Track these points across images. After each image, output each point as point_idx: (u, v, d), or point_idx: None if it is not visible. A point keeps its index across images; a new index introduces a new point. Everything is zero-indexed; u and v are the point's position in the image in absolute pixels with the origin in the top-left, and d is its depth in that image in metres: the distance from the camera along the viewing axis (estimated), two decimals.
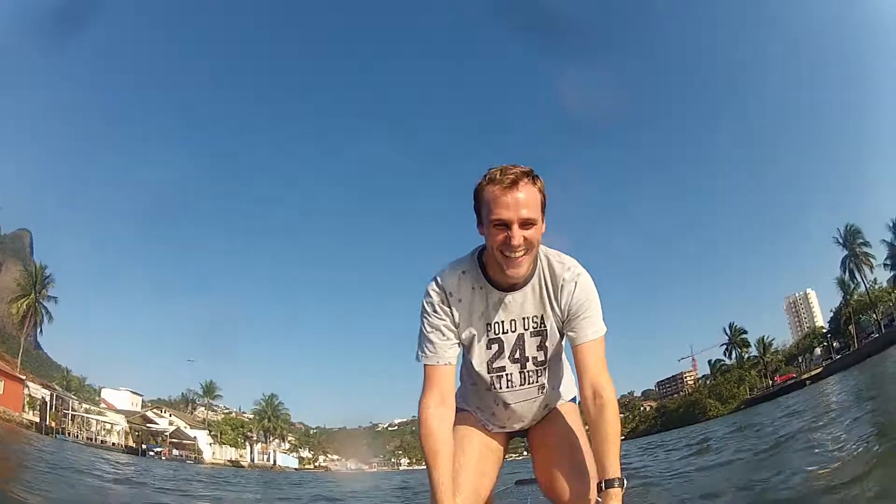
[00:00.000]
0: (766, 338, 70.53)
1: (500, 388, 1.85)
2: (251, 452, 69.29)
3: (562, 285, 1.73)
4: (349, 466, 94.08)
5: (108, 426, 44.32)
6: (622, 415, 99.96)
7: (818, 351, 64.75)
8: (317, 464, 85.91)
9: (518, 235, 1.56)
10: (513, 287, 1.73)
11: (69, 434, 37.99)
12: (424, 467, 1.68)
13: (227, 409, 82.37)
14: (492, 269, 1.73)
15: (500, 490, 2.28)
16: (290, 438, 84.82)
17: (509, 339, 1.79)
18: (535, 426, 2.03)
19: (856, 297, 52.11)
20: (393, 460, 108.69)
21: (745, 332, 72.20)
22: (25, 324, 43.11)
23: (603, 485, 1.67)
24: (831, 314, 63.40)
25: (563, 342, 1.85)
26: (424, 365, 1.77)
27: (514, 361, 1.82)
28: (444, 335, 1.76)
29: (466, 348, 1.83)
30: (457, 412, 1.83)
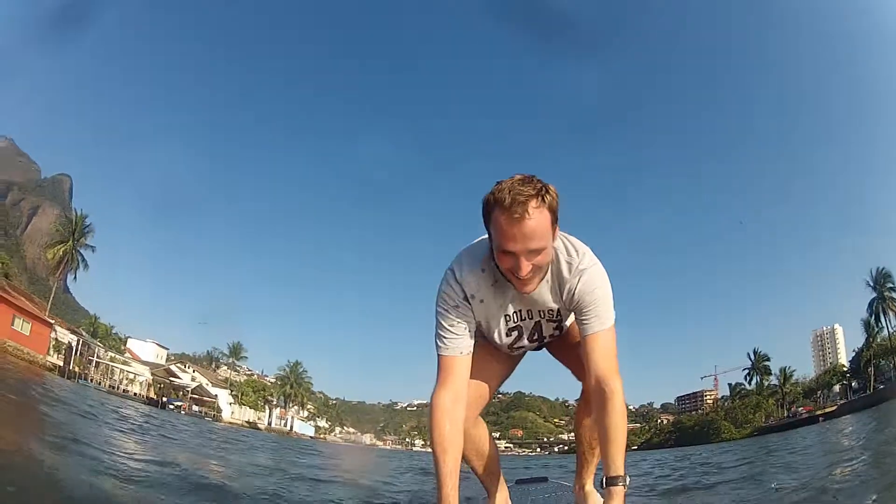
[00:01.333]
0: (787, 368, 71.47)
1: (514, 351, 1.99)
2: (269, 416, 70.11)
3: (569, 283, 1.74)
4: (364, 441, 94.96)
5: (130, 376, 44.97)
6: (639, 424, 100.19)
7: (836, 388, 65.13)
8: (333, 434, 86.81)
9: (525, 266, 1.58)
10: None
11: (91, 380, 38.51)
12: (434, 467, 1.71)
13: (249, 370, 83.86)
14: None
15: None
16: (309, 406, 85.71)
17: (527, 325, 1.86)
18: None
19: (879, 340, 53.13)
20: (408, 440, 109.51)
21: (768, 360, 73.14)
22: (60, 269, 43.77)
23: (605, 482, 1.66)
24: (853, 353, 64.29)
25: None
26: (440, 355, 1.77)
27: (533, 340, 1.92)
28: (462, 330, 1.76)
29: (485, 333, 1.88)
30: None
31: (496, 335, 1.86)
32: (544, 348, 2.09)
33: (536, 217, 1.52)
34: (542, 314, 1.83)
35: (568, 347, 1.99)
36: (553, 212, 1.57)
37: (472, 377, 1.81)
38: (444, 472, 1.64)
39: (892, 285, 51.18)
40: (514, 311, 1.81)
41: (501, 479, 2.10)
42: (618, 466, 1.63)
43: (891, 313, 50.94)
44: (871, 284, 51.95)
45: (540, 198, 1.52)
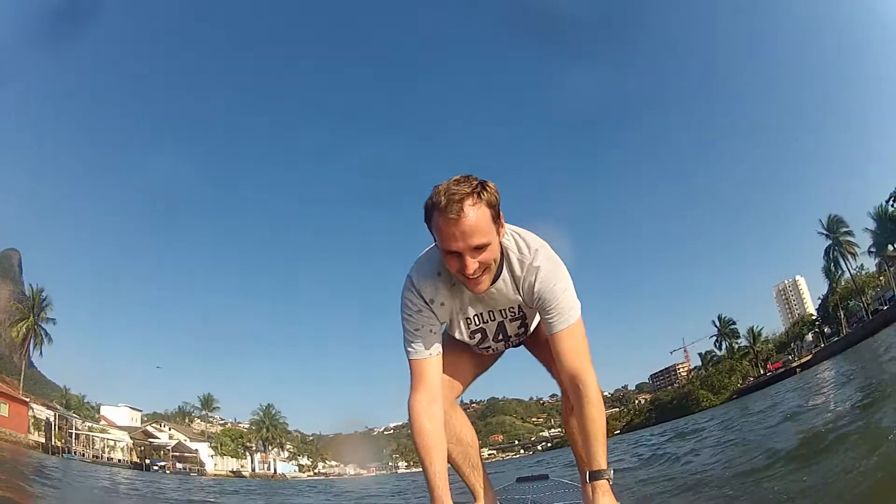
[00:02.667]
0: (755, 327, 71.31)
1: (483, 352, 2.02)
2: (252, 462, 69.76)
3: (524, 281, 1.72)
4: (348, 472, 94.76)
5: (111, 443, 44.80)
6: (616, 408, 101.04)
7: (809, 337, 65.21)
8: (316, 471, 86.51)
9: (471, 263, 1.55)
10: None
11: (75, 452, 38.48)
12: (422, 470, 1.71)
13: (222, 420, 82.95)
14: None
15: (500, 487, 2.21)
16: (288, 447, 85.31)
17: (491, 327, 1.84)
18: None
19: (843, 283, 53.02)
20: (390, 464, 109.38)
21: (734, 323, 73.28)
22: (25, 346, 43.48)
23: (588, 476, 1.71)
24: (819, 301, 65.16)
25: None
26: (410, 360, 1.76)
27: (499, 341, 1.90)
28: (427, 332, 1.76)
29: (451, 333, 1.90)
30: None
31: (460, 336, 1.86)
32: (522, 346, 2.07)
33: (474, 214, 1.50)
34: (503, 314, 1.81)
35: (542, 344, 1.92)
36: (493, 207, 1.56)
37: (446, 365, 1.83)
38: (432, 473, 1.66)
39: (845, 229, 50.83)
40: (476, 314, 1.80)
41: (486, 475, 2.00)
42: (599, 461, 1.69)
43: (849, 256, 50.81)
44: (825, 232, 51.67)
45: (476, 195, 1.52)
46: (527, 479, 4.27)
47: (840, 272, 52.89)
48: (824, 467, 3.40)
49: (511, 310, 1.81)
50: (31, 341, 43.52)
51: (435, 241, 1.64)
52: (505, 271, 1.73)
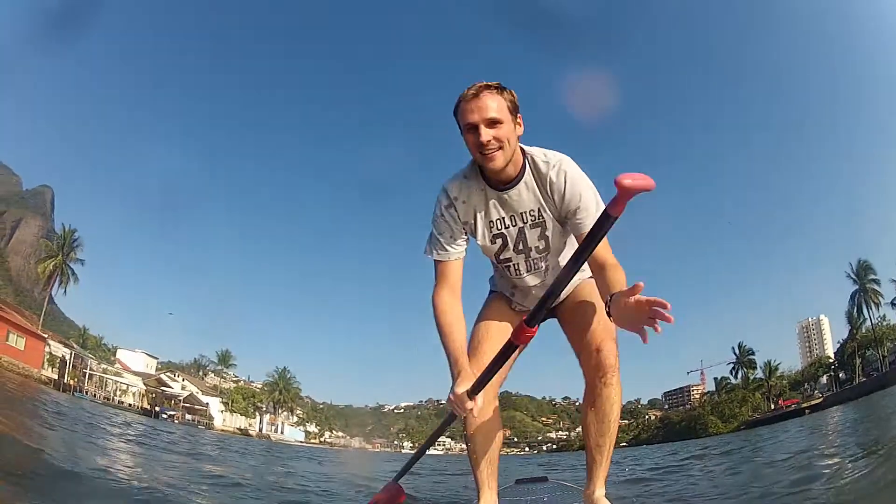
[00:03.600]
0: (772, 362, 71.39)
1: (510, 275, 2.02)
2: (260, 422, 70.65)
3: (550, 180, 1.81)
4: (353, 444, 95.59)
5: (123, 387, 45.48)
6: (626, 421, 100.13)
7: (824, 379, 65.18)
8: (322, 439, 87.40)
9: (486, 133, 1.69)
10: (508, 186, 1.83)
11: (87, 392, 39.06)
12: (428, 452, 1.84)
13: (236, 377, 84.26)
14: (487, 172, 1.84)
15: (500, 489, 2.16)
16: (298, 412, 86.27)
17: (511, 234, 1.90)
18: (558, 305, 2.09)
19: (863, 331, 52.73)
20: (396, 442, 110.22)
21: (753, 353, 73.29)
22: (50, 283, 44.19)
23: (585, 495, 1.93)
24: (838, 345, 64.21)
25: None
26: (435, 261, 1.92)
27: (519, 252, 1.93)
28: (452, 235, 1.89)
29: (477, 242, 1.96)
30: (490, 293, 2.22)
31: (483, 241, 1.93)
32: (556, 318, 2.10)
33: (492, 96, 1.71)
34: (523, 218, 1.87)
35: (577, 319, 1.97)
36: (511, 102, 1.75)
37: (484, 353, 1.92)
38: (454, 347, 1.80)
39: (873, 277, 51.08)
40: (498, 219, 1.88)
41: (496, 473, 2.04)
42: (595, 481, 1.89)
43: (872, 305, 50.92)
44: (853, 276, 51.92)
45: (496, 88, 1.72)
46: (525, 481, 4.03)
47: (862, 319, 52.62)
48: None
49: (532, 213, 1.86)
50: (58, 279, 44.18)
51: (462, 134, 1.79)
52: (528, 174, 1.84)
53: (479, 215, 1.88)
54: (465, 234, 1.92)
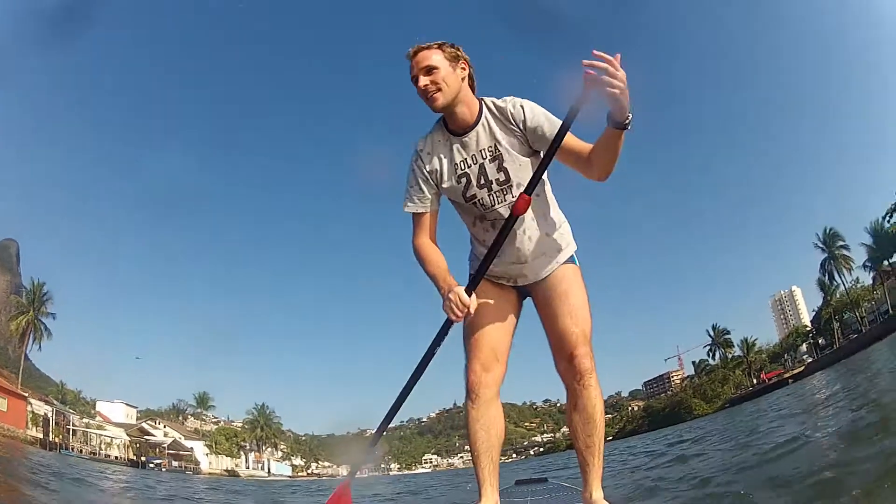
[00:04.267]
0: (749, 338, 71.80)
1: (479, 211, 2.08)
2: (246, 461, 69.48)
3: (510, 113, 1.98)
4: (341, 473, 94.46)
5: (108, 439, 44.53)
6: (610, 415, 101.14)
7: (804, 348, 66.04)
8: (309, 471, 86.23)
9: (423, 80, 1.91)
10: (466, 131, 2.00)
11: (73, 449, 38.24)
12: (414, 472, 2.59)
13: (216, 418, 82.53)
14: (448, 122, 2.04)
15: (500, 490, 2.10)
16: (282, 446, 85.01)
17: (473, 171, 2.01)
18: (538, 286, 2.15)
19: (837, 296, 53.65)
20: (383, 466, 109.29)
21: (729, 333, 73.90)
22: (25, 340, 43.17)
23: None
24: (814, 312, 65.32)
25: (530, 163, 2.02)
26: (412, 214, 2.08)
27: (481, 187, 2.02)
28: (423, 187, 2.05)
29: (445, 190, 2.08)
30: (470, 279, 2.12)
31: (451, 188, 2.04)
32: (530, 298, 2.19)
33: (427, 51, 1.93)
34: (483, 154, 1.99)
35: (552, 319, 2.05)
36: (450, 54, 1.94)
37: (482, 344, 2.03)
38: (438, 272, 1.93)
39: (841, 243, 51.52)
40: (461, 160, 2.00)
41: (498, 473, 2.05)
42: (591, 484, 1.94)
43: (844, 270, 51.58)
44: (821, 245, 52.48)
45: (435, 46, 1.94)
46: (525, 481, 4.23)
47: (835, 285, 53.61)
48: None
49: (489, 149, 1.99)
50: (31, 335, 43.20)
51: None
52: (485, 117, 2.00)
53: (444, 161, 2.03)
54: (434, 184, 2.05)
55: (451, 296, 1.84)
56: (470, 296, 1.85)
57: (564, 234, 2.16)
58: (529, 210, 1.97)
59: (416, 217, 2.07)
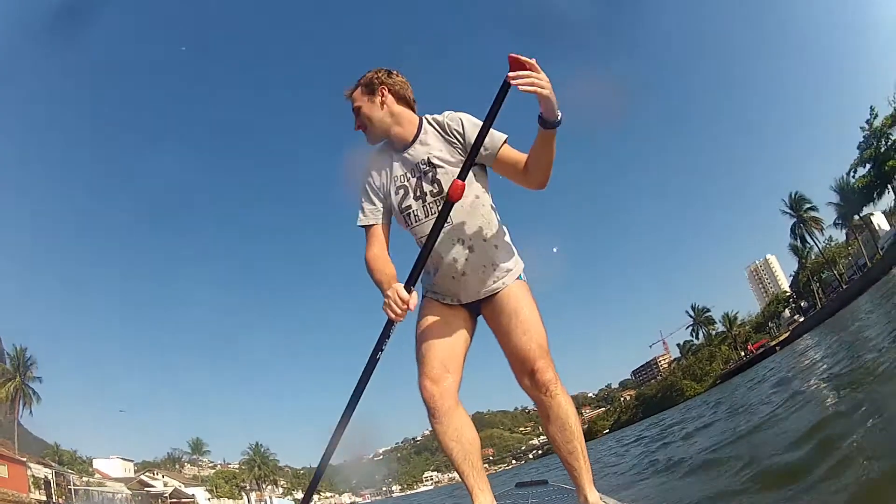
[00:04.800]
0: (730, 312, 72.62)
1: (412, 223, 2.09)
2: (248, 502, 69.14)
3: (447, 125, 2.08)
4: (344, 501, 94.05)
5: (109, 495, 44.37)
6: (602, 408, 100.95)
7: (787, 313, 66.21)
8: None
9: (356, 121, 2.14)
10: (406, 147, 2.10)
11: None
12: (416, 491, 3.50)
13: (212, 462, 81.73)
14: (390, 141, 2.15)
15: (500, 493, 2.22)
16: (281, 482, 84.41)
17: (411, 183, 2.08)
18: (487, 306, 2.13)
19: (812, 257, 54.36)
20: (384, 488, 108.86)
21: (709, 311, 74.97)
22: (15, 407, 42.98)
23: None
24: (791, 277, 66.38)
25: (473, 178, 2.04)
26: (363, 227, 2.14)
27: (417, 199, 2.07)
28: (373, 200, 2.14)
29: (390, 202, 2.14)
30: (421, 299, 2.17)
31: (392, 199, 2.12)
32: (482, 317, 2.18)
33: (350, 93, 2.13)
34: (419, 168, 2.07)
35: (507, 338, 2.04)
36: (365, 86, 2.12)
37: (429, 358, 2.02)
38: (383, 277, 1.95)
39: (809, 206, 51.68)
40: (401, 174, 2.10)
41: (485, 477, 2.02)
42: (585, 487, 1.96)
43: (815, 231, 51.59)
44: (789, 211, 52.70)
45: (356, 85, 2.14)
46: (526, 484, 4.24)
47: (808, 247, 54.14)
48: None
49: (423, 162, 2.06)
50: (21, 401, 43.06)
51: None
52: (424, 132, 2.10)
53: (388, 176, 2.12)
54: (381, 198, 2.14)
55: (389, 292, 1.84)
56: (410, 293, 1.85)
57: (508, 252, 2.14)
58: (469, 224, 2.03)
59: (367, 230, 2.14)
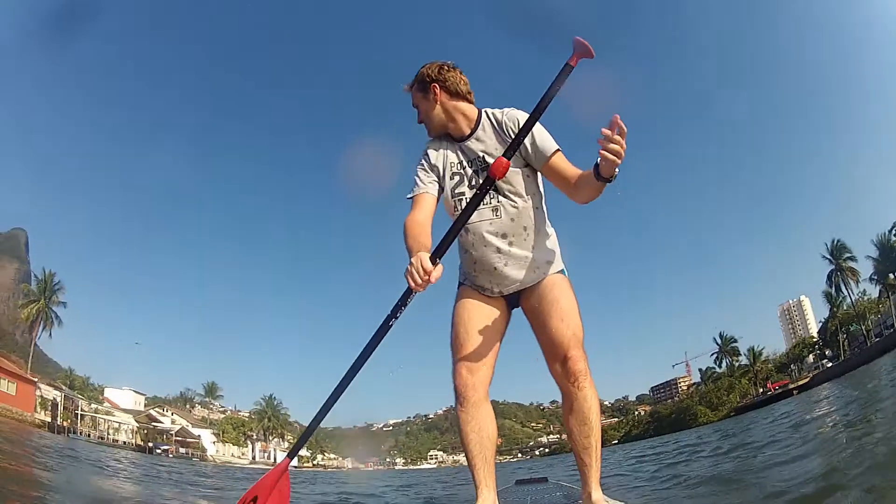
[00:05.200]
0: (756, 347, 71.94)
1: (461, 210, 2.01)
2: (252, 451, 70.26)
3: (505, 122, 2.09)
4: (346, 465, 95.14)
5: (115, 425, 45.29)
6: (616, 418, 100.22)
7: (810, 359, 66.07)
8: (314, 462, 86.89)
9: (418, 116, 2.21)
10: (464, 139, 2.14)
11: (80, 433, 38.97)
12: (419, 468, 2.56)
13: (223, 408, 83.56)
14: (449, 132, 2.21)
15: (500, 490, 2.24)
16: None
17: (467, 172, 2.12)
18: (527, 295, 2.16)
19: (844, 308, 53.97)
20: (388, 460, 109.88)
21: (736, 341, 73.99)
22: (35, 328, 43.98)
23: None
24: (821, 324, 65.54)
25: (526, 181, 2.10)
26: (413, 195, 2.13)
27: (471, 188, 2.11)
28: (428, 173, 2.16)
29: (444, 183, 2.17)
30: (458, 287, 2.25)
31: (447, 178, 2.15)
32: (520, 307, 2.20)
33: (409, 92, 2.20)
34: (475, 163, 2.10)
35: (544, 326, 2.04)
36: (418, 84, 2.18)
37: (467, 347, 2.04)
38: (413, 246, 1.84)
39: (848, 255, 51.68)
40: (457, 161, 2.14)
41: (494, 472, 2.07)
42: (591, 484, 1.92)
43: (851, 282, 51.67)
44: (828, 257, 52.65)
45: (414, 82, 2.19)
46: (525, 481, 4.22)
47: (842, 297, 53.88)
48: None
49: (479, 158, 2.10)
50: (42, 323, 44.00)
51: None
52: (482, 128, 2.13)
53: (445, 159, 2.16)
54: (435, 176, 2.16)
55: (413, 259, 1.74)
56: (435, 265, 1.73)
57: (552, 251, 2.17)
58: (515, 223, 2.08)
59: (414, 199, 2.11)
